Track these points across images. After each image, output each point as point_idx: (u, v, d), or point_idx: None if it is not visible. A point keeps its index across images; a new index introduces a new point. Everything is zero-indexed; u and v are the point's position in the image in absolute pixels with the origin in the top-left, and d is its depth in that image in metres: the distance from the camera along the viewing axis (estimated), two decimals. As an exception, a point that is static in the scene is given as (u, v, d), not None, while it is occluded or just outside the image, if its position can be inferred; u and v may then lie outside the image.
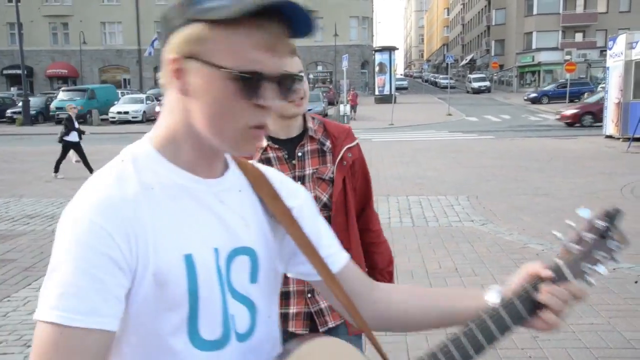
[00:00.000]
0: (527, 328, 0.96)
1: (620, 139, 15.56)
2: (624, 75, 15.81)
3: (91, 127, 27.89)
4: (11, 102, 33.61)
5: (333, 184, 1.76)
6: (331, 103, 35.24)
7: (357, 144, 1.86)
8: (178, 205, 0.84)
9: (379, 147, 16.08)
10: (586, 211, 0.99)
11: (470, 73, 65.24)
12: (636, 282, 4.15)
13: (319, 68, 51.36)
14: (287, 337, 1.74)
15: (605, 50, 18.63)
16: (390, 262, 2.00)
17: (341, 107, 25.77)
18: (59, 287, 0.75)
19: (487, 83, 54.44)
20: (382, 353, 1.01)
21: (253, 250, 0.91)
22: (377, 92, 42.23)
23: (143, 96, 32.91)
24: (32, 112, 29.95)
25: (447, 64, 38.84)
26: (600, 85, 31.67)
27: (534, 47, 54.74)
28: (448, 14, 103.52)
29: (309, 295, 1.78)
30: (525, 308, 0.94)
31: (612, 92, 16.61)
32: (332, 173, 1.76)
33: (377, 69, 42.67)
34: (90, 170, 11.57)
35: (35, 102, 31.58)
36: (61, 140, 11.72)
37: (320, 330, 1.79)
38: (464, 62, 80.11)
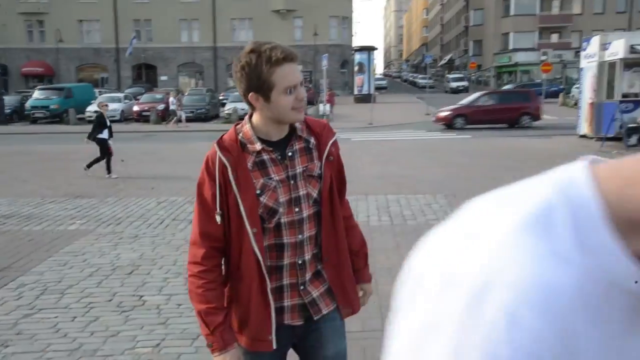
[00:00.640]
0: None
1: (594, 139, 15.88)
2: (597, 76, 16.14)
3: (68, 127, 27.59)
4: (-15, 100, 33.04)
5: (321, 180, 1.81)
6: (311, 102, 35.31)
7: (336, 138, 1.91)
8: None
9: (358, 146, 16.18)
10: None
11: (449, 73, 65.82)
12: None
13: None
14: (284, 329, 1.81)
15: (580, 51, 18.98)
16: (364, 243, 2.07)
17: (321, 106, 25.87)
18: None
19: (465, 83, 54.99)
20: None
21: None
22: (356, 92, 42.38)
23: (121, 95, 32.62)
24: (7, 111, 29.49)
25: (426, 63, 39.27)
26: (575, 86, 32.25)
27: (511, 47, 55.49)
28: (427, 14, 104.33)
29: (302, 287, 1.82)
30: None
31: (586, 92, 16.94)
32: (320, 169, 1.81)
33: (356, 68, 42.83)
34: (109, 171, 11.43)
35: (9, 100, 31.11)
36: (94, 139, 11.49)
37: (315, 318, 1.85)
38: (443, 62, 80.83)
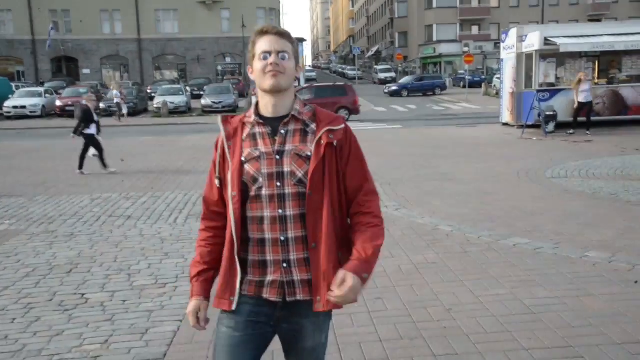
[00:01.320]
0: None
1: (515, 127, 16.74)
2: (516, 67, 17.00)
3: (-17, 123, 26.05)
4: None
5: (309, 161, 1.85)
6: (242, 95, 35.00)
7: (344, 128, 1.92)
8: None
9: (292, 138, 16.23)
10: None
11: (377, 64, 66.98)
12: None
13: (228, 60, 50.69)
14: (263, 305, 1.88)
15: (499, 43, 19.88)
16: (371, 240, 1.89)
17: (253, 99, 25.72)
18: None
19: (393, 74, 56.17)
20: None
21: None
22: (286, 84, 42.30)
23: (41, 90, 31.05)
24: None
25: (354, 55, 39.73)
26: (496, 77, 33.73)
27: (434, 39, 57.21)
28: (353, 6, 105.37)
29: (285, 265, 1.87)
30: None
31: (507, 82, 17.81)
32: (310, 152, 1.86)
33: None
34: (104, 166, 10.86)
35: None
36: (80, 133, 10.88)
37: (288, 299, 1.88)
38: (370, 53, 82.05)
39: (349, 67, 71.90)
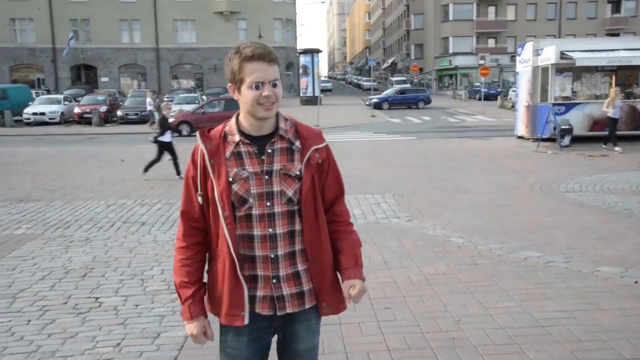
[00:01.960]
0: None
1: (530, 140, 16.67)
2: (532, 80, 16.95)
3: (4, 129, 26.48)
4: None
5: (300, 181, 1.90)
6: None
7: (326, 145, 2.00)
8: None
9: (306, 148, 16.29)
10: None
11: (392, 76, 67.04)
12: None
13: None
14: (259, 318, 1.94)
15: (515, 56, 19.84)
16: (356, 245, 2.08)
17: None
18: None
19: (408, 86, 56.21)
20: None
21: None
22: (301, 94, 42.59)
23: (60, 97, 31.55)
24: (-64, 113, 28.03)
25: (370, 66, 39.82)
26: (512, 89, 33.63)
27: (450, 51, 57.17)
28: (369, 18, 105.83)
29: (274, 280, 1.93)
30: None
31: (522, 95, 17.75)
32: (299, 171, 1.91)
33: (300, 71, 43.02)
34: (178, 172, 11.03)
35: (-61, 102, 29.55)
36: (155, 140, 11.07)
37: (278, 314, 1.95)
38: (386, 65, 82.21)
39: (364, 78, 72.06)
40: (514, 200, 8.53)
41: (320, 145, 1.97)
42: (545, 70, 16.61)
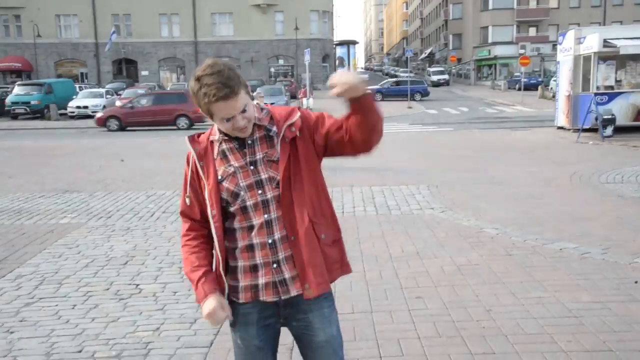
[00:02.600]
0: None
1: (571, 130, 16.29)
2: (573, 69, 16.53)
3: (49, 123, 27.39)
4: (-37, 97, 32.59)
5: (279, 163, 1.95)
6: (294, 96, 35.44)
7: (299, 116, 1.99)
8: None
9: (342, 139, 16.33)
10: None
11: (430, 66, 66.26)
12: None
13: (280, 62, 51.37)
14: (264, 306, 2.01)
15: (557, 45, 19.36)
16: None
17: (304, 100, 26.05)
18: None
19: (446, 76, 55.48)
20: None
21: None
22: (338, 86, 42.45)
23: (102, 90, 32.44)
24: (-14, 107, 29.20)
25: (407, 57, 39.47)
26: (553, 79, 32.84)
27: (490, 41, 56.10)
28: (407, 8, 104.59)
29: (275, 265, 1.97)
30: None
31: (563, 85, 17.33)
32: (278, 154, 1.97)
33: (337, 62, 42.99)
34: None
35: (-12, 96, 30.77)
36: None
37: (282, 298, 2.00)
38: (423, 55, 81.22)
39: (401, 69, 71.45)
40: (551, 191, 8.40)
41: (293, 120, 1.98)
42: (587, 58, 16.17)
